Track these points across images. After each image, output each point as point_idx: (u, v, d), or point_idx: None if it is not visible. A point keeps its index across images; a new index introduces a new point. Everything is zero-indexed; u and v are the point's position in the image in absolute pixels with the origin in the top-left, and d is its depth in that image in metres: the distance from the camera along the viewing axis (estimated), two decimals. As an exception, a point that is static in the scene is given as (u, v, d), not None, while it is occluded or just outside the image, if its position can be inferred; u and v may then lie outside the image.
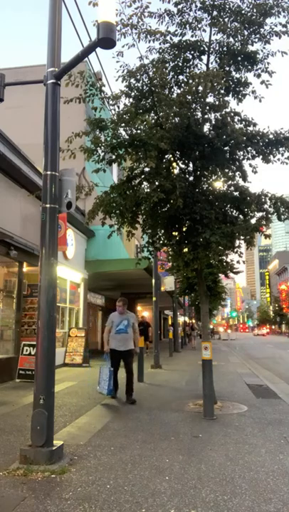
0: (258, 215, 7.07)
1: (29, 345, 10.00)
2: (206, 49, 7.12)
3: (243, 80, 7.12)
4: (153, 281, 13.83)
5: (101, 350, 21.04)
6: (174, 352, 19.28)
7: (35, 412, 4.13)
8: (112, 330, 7.47)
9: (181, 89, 7.11)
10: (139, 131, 6.37)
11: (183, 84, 7.28)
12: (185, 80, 7.30)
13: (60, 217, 4.94)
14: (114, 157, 6.88)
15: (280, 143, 6.73)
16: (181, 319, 35.16)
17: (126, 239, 7.95)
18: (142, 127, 6.35)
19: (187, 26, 7.03)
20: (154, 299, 13.77)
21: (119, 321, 7.47)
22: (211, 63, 7.16)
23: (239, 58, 6.96)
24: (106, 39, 4.23)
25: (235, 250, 7.46)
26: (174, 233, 7.36)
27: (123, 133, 6.61)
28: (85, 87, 6.77)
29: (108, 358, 7.41)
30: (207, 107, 6.90)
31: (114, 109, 6.74)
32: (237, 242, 7.19)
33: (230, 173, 7.07)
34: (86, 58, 5.08)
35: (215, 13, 6.87)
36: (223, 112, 6.72)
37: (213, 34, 6.98)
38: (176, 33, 7.10)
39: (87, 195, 7.54)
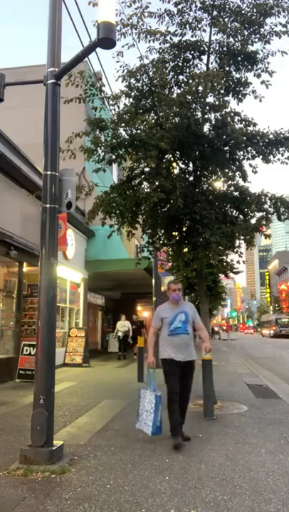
0: (258, 215, 7.08)
1: (29, 345, 10.00)
2: (206, 49, 7.11)
3: (243, 79, 7.11)
4: (153, 281, 13.83)
5: (101, 350, 21.11)
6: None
7: (35, 412, 4.13)
8: (162, 330, 5.09)
9: (181, 89, 7.11)
10: (139, 131, 6.37)
11: (183, 84, 7.27)
12: (185, 80, 7.30)
13: (60, 217, 4.94)
14: (114, 157, 6.88)
15: (280, 143, 6.74)
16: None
17: (126, 239, 7.95)
18: (142, 127, 6.36)
19: (187, 26, 7.03)
20: (154, 299, 13.77)
21: (174, 315, 5.00)
22: (211, 63, 7.16)
23: (239, 58, 6.96)
24: (106, 39, 4.23)
25: (235, 250, 7.47)
26: (174, 233, 7.36)
27: (123, 133, 6.62)
28: (85, 87, 6.77)
29: (154, 376, 5.01)
30: (207, 107, 6.90)
31: (114, 109, 6.74)
32: (237, 242, 7.19)
33: (230, 173, 7.08)
34: (86, 58, 5.08)
35: (215, 13, 6.87)
36: (223, 112, 6.72)
37: (213, 34, 6.98)
38: (176, 33, 7.10)
39: (87, 195, 7.54)
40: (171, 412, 4.70)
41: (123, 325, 16.24)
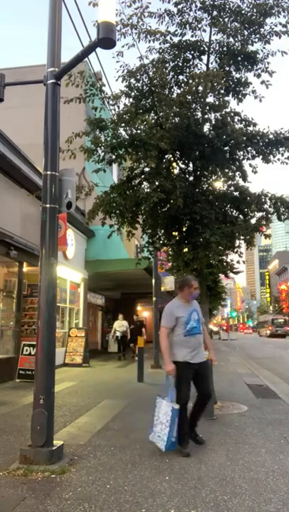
0: (258, 215, 7.08)
1: (29, 345, 10.00)
2: (206, 49, 7.12)
3: (243, 79, 7.12)
4: (153, 281, 13.83)
5: (101, 350, 21.10)
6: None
7: (35, 412, 4.13)
8: (175, 331, 4.56)
9: (181, 89, 7.12)
10: (139, 131, 6.38)
11: (183, 84, 7.28)
12: (185, 80, 7.31)
13: (60, 217, 4.94)
14: (114, 157, 6.89)
15: (280, 143, 6.74)
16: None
17: (126, 239, 7.95)
18: (142, 127, 6.36)
19: (187, 26, 7.03)
20: (154, 299, 13.77)
21: (189, 314, 4.59)
22: (211, 63, 7.16)
23: (239, 58, 6.96)
24: (106, 39, 4.23)
25: (235, 250, 7.47)
26: (174, 233, 7.37)
27: (123, 133, 6.62)
28: (85, 87, 6.78)
29: (171, 382, 4.44)
30: (207, 107, 6.90)
31: (114, 109, 6.75)
32: (237, 242, 7.20)
33: (230, 173, 7.08)
34: (86, 58, 5.08)
35: (215, 13, 6.87)
36: (223, 112, 6.73)
37: (213, 34, 6.99)
38: (176, 33, 7.10)
39: (87, 195, 7.54)
40: (182, 421, 4.33)
41: (121, 325, 16.06)
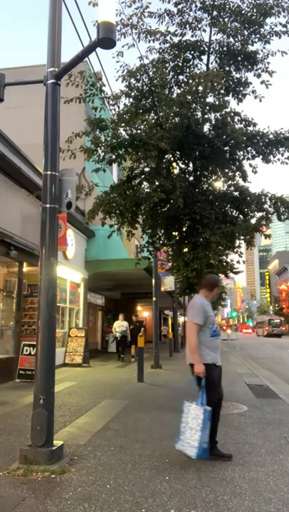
0: (258, 215, 7.08)
1: (29, 345, 10.00)
2: (206, 49, 7.12)
3: (243, 79, 7.13)
4: (153, 281, 13.83)
5: (101, 350, 21.11)
6: (174, 352, 19.28)
7: (35, 412, 4.13)
8: (203, 330, 4.31)
9: (181, 89, 7.12)
10: (139, 131, 6.38)
11: (183, 84, 7.28)
12: (185, 80, 7.31)
13: (60, 217, 4.94)
14: (114, 157, 6.89)
15: (280, 143, 6.74)
16: (181, 319, 35.16)
17: (126, 239, 7.95)
18: (142, 127, 6.37)
19: (187, 26, 7.04)
20: (154, 299, 13.77)
21: (214, 314, 4.54)
22: (211, 63, 7.17)
23: (239, 58, 6.97)
24: (106, 39, 4.23)
25: (235, 250, 7.47)
26: (174, 233, 7.37)
27: (123, 133, 6.62)
28: (85, 87, 6.78)
29: (203, 386, 4.18)
30: (207, 107, 6.91)
31: (115, 109, 6.75)
32: (237, 242, 7.20)
33: (230, 173, 7.09)
34: (86, 58, 5.08)
35: (215, 13, 6.88)
36: (223, 112, 6.74)
37: (213, 34, 6.99)
38: (176, 33, 7.11)
39: (87, 195, 7.55)
40: (216, 423, 4.22)
41: (120, 325, 15.68)
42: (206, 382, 4.19)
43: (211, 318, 4.34)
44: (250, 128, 6.89)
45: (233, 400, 7.47)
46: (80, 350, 13.51)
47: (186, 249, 7.20)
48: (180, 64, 7.23)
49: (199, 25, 7.04)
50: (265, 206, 6.92)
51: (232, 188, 7.07)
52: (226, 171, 7.04)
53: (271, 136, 6.74)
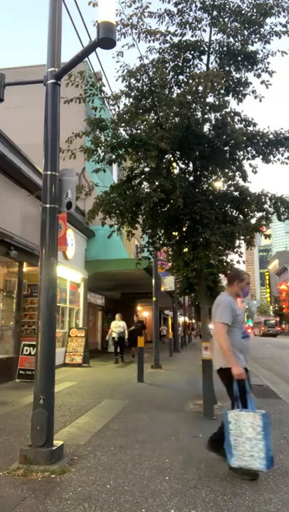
0: (258, 215, 7.08)
1: (29, 345, 10.00)
2: (206, 49, 7.11)
3: (243, 79, 7.12)
4: (153, 281, 13.83)
5: (101, 351, 21.09)
6: (174, 352, 19.29)
7: (35, 412, 4.13)
8: (231, 331, 3.99)
9: (181, 89, 7.12)
10: (139, 131, 6.38)
11: (183, 84, 7.28)
12: (185, 80, 7.30)
13: (60, 217, 4.94)
14: (114, 157, 6.88)
15: (280, 143, 6.74)
16: (181, 319, 35.18)
17: (126, 239, 7.94)
18: (142, 127, 6.36)
19: (187, 26, 7.03)
20: (154, 299, 13.77)
21: (242, 313, 4.29)
22: (211, 63, 7.16)
23: (239, 58, 6.96)
24: (106, 39, 4.23)
25: (235, 250, 7.46)
26: (174, 233, 7.36)
27: (123, 133, 6.62)
28: (85, 87, 6.78)
29: (248, 390, 3.92)
30: (207, 107, 6.91)
31: (115, 109, 6.74)
32: (237, 242, 7.19)
33: (230, 173, 7.08)
34: (86, 58, 5.07)
35: (215, 13, 6.87)
36: (223, 112, 6.73)
37: (213, 34, 6.99)
38: (176, 33, 7.10)
39: (87, 195, 7.55)
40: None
41: (118, 325, 14.99)
42: (231, 386, 3.85)
43: (239, 318, 4.01)
44: (250, 128, 6.88)
45: (233, 399, 7.47)
46: (80, 350, 13.51)
47: (186, 249, 7.19)
48: (180, 64, 7.22)
49: (199, 25, 7.03)
50: (265, 206, 6.91)
51: (232, 188, 7.07)
52: (226, 171, 7.04)
53: (271, 136, 6.74)
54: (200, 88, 6.57)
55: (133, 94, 6.80)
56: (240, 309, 4.32)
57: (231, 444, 3.61)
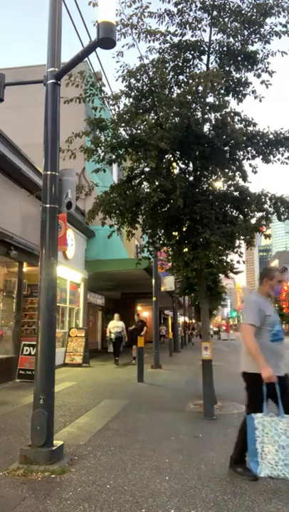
0: (258, 215, 7.07)
1: (29, 345, 10.00)
2: (206, 49, 7.11)
3: (243, 79, 7.11)
4: (153, 281, 13.83)
5: (101, 350, 21.08)
6: (174, 352, 19.29)
7: (35, 412, 4.13)
8: (260, 333, 3.70)
9: (181, 89, 7.11)
10: (139, 131, 6.37)
11: (183, 84, 7.27)
12: (185, 80, 7.30)
13: (60, 217, 4.94)
14: (114, 157, 6.88)
15: (280, 143, 6.74)
16: (181, 319, 35.19)
17: (126, 239, 7.94)
18: (142, 127, 6.36)
19: (187, 26, 7.02)
20: (154, 299, 13.77)
21: (275, 313, 3.89)
22: (211, 63, 7.16)
23: (239, 58, 6.96)
24: (106, 39, 4.23)
25: (235, 250, 7.46)
26: (174, 233, 7.36)
27: (123, 133, 6.62)
28: (85, 87, 6.78)
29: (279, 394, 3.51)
30: (207, 107, 6.90)
31: (115, 109, 6.74)
32: (237, 242, 7.19)
33: (230, 173, 7.08)
34: (86, 58, 5.08)
35: (215, 13, 6.87)
36: (223, 112, 6.73)
37: (213, 34, 6.98)
38: (176, 33, 7.09)
39: (87, 195, 7.54)
40: (246, 436, 3.52)
41: (116, 325, 14.48)
42: (254, 393, 3.60)
43: (270, 319, 3.72)
44: (250, 128, 6.88)
45: (233, 399, 7.47)
46: (80, 350, 13.51)
47: (186, 249, 7.19)
48: (180, 64, 7.22)
49: (199, 25, 7.03)
50: (265, 206, 6.91)
51: (232, 188, 7.06)
52: (226, 171, 7.03)
53: (271, 136, 6.73)
54: (200, 88, 6.57)
55: (133, 94, 6.79)
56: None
57: (258, 451, 3.35)
